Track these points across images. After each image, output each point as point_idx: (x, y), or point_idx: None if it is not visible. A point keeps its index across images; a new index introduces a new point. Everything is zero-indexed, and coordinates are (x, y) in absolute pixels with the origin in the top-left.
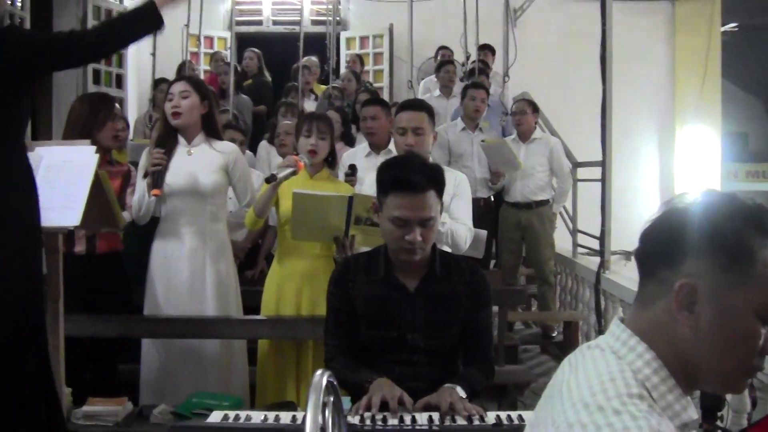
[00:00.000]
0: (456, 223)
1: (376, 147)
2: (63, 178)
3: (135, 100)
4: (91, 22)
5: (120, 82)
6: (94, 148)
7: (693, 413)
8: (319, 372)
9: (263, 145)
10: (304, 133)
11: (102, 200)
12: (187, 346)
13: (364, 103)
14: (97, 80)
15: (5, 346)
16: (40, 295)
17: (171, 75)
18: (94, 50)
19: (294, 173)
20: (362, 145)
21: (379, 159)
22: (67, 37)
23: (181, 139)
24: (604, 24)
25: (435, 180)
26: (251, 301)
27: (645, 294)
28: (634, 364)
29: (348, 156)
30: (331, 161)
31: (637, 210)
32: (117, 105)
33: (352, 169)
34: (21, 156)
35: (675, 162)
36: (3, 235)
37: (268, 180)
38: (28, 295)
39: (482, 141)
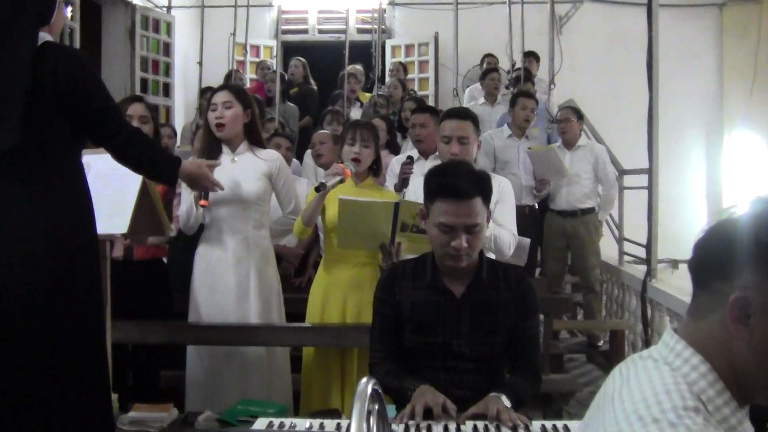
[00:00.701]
0: (500, 228)
1: (424, 153)
2: (111, 186)
3: (182, 109)
4: (139, 32)
5: (167, 90)
6: None
7: (749, 427)
8: (364, 380)
9: (309, 153)
10: (348, 141)
11: (149, 208)
12: (231, 353)
13: (414, 111)
14: (144, 89)
15: (68, 352)
16: (100, 301)
17: (217, 83)
18: (127, 153)
19: (341, 181)
20: (411, 151)
21: (427, 165)
22: (121, 126)
23: (225, 148)
24: (650, 30)
25: (482, 187)
26: (294, 308)
27: (699, 305)
28: (689, 376)
29: (396, 162)
30: (375, 169)
31: (684, 218)
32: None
33: (410, 158)
34: (81, 167)
35: (723, 169)
36: (68, 245)
37: (317, 189)
38: (91, 302)
39: (529, 148)
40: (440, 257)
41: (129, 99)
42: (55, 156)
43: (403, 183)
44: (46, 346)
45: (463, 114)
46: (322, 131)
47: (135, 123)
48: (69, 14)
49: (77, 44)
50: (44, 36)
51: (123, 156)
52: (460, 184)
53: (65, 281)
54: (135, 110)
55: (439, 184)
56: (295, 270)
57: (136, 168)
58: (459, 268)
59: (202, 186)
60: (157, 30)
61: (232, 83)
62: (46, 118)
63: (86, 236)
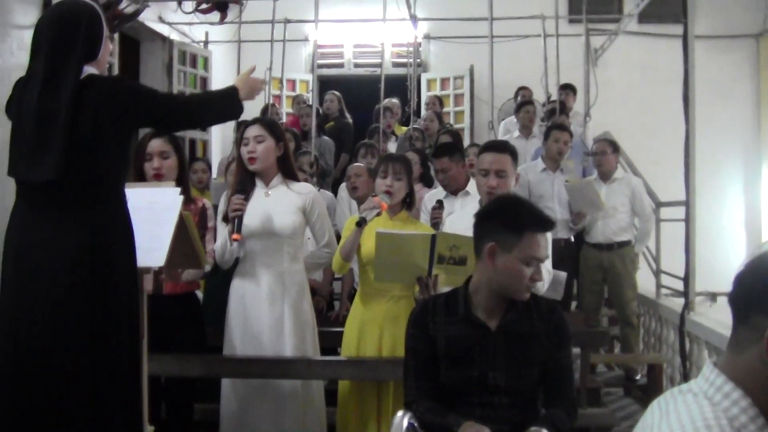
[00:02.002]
0: None
1: (453, 192)
2: (148, 220)
3: (219, 142)
4: (176, 67)
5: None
6: (178, 189)
7: None
8: (399, 413)
9: (343, 186)
10: (380, 174)
11: (186, 241)
12: (265, 386)
13: (433, 154)
14: None
15: (107, 379)
16: (138, 331)
17: (253, 117)
18: (191, 120)
19: (379, 214)
20: (439, 189)
21: (458, 201)
22: (173, 103)
23: (259, 182)
24: (686, 61)
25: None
26: (329, 341)
27: (738, 339)
28: (729, 411)
29: (429, 198)
30: (409, 202)
31: (722, 250)
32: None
33: (440, 203)
34: (124, 196)
35: (762, 200)
36: (109, 274)
37: (358, 223)
38: (131, 332)
39: (566, 181)
40: (516, 291)
41: (147, 136)
42: (99, 185)
43: (434, 228)
44: (84, 372)
45: (501, 147)
46: (357, 164)
47: (155, 160)
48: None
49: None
50: (89, 69)
51: (200, 127)
52: (548, 216)
53: (104, 310)
54: (153, 147)
55: (534, 217)
56: (326, 304)
57: (209, 123)
58: (526, 299)
59: (257, 90)
60: (194, 65)
61: (264, 117)
62: (90, 147)
63: (127, 266)
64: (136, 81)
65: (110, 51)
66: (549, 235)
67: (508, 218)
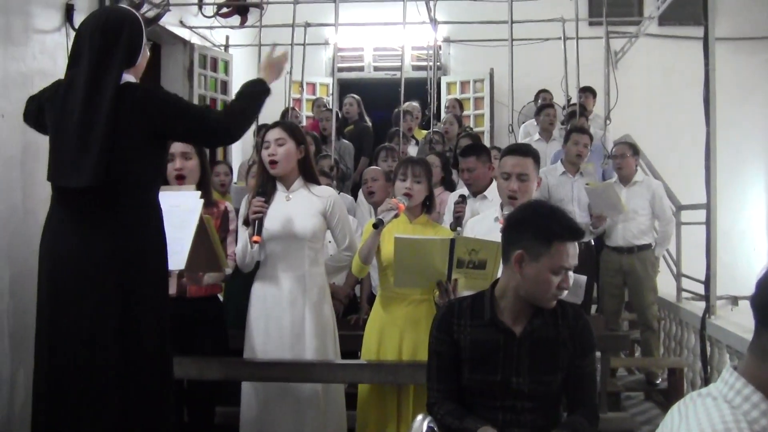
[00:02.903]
0: None
1: (475, 192)
2: (170, 223)
3: (239, 145)
4: (197, 71)
5: None
6: (199, 193)
7: None
8: (419, 417)
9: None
10: (400, 176)
11: (206, 244)
12: (286, 389)
13: (461, 153)
14: None
15: (135, 381)
16: (166, 336)
17: (274, 121)
18: (229, 134)
19: (396, 216)
20: (461, 190)
21: (475, 203)
22: (207, 117)
23: (280, 185)
24: (706, 63)
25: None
26: (349, 345)
27: (761, 344)
28: (749, 414)
29: (452, 198)
30: (429, 206)
31: (744, 253)
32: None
33: (462, 197)
34: (158, 202)
35: None
36: (139, 278)
37: (375, 225)
38: (159, 336)
39: (587, 184)
40: (543, 299)
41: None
42: (135, 191)
43: (457, 221)
44: (113, 373)
45: (523, 150)
46: (373, 167)
47: (177, 160)
48: None
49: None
50: (128, 77)
51: (236, 136)
52: (578, 226)
53: (135, 314)
54: (175, 148)
55: (563, 227)
56: (345, 308)
57: (252, 122)
58: (552, 306)
59: (281, 68)
60: (215, 68)
61: (284, 120)
62: (126, 154)
63: (159, 270)
64: (173, 93)
65: (147, 57)
66: (576, 243)
67: (538, 227)
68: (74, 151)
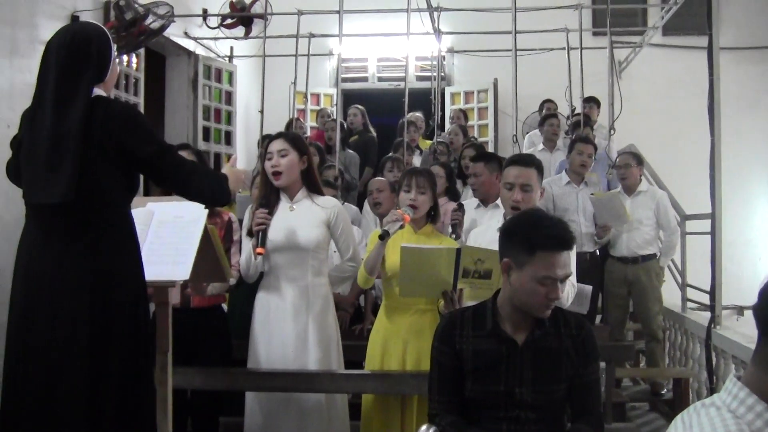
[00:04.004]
0: None
1: (484, 201)
2: (173, 234)
3: (243, 156)
4: (201, 81)
5: (229, 138)
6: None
7: None
8: (423, 427)
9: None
10: (404, 188)
11: (211, 255)
12: (289, 399)
13: (471, 159)
14: (207, 137)
15: (113, 396)
16: (145, 353)
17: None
18: (178, 180)
19: (401, 227)
20: (471, 199)
21: (487, 212)
22: (167, 154)
23: (283, 196)
24: (711, 73)
25: (573, 235)
26: (353, 355)
27: (764, 354)
28: (753, 423)
29: (450, 208)
30: (433, 216)
31: (749, 263)
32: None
33: (460, 206)
34: (131, 217)
35: None
36: (115, 297)
37: (381, 237)
38: (133, 357)
39: (592, 194)
40: (533, 308)
41: (176, 147)
42: (105, 209)
43: (453, 228)
44: (83, 394)
45: (527, 161)
46: (378, 178)
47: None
48: (134, 65)
49: (142, 94)
50: (98, 91)
51: (185, 195)
52: (564, 234)
53: (108, 333)
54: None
55: (547, 237)
56: (350, 318)
57: (198, 200)
58: (546, 316)
59: (241, 182)
60: (219, 79)
61: (287, 131)
62: (97, 170)
63: (131, 290)
64: (142, 116)
65: (116, 73)
66: (570, 252)
67: (522, 236)
68: (45, 167)
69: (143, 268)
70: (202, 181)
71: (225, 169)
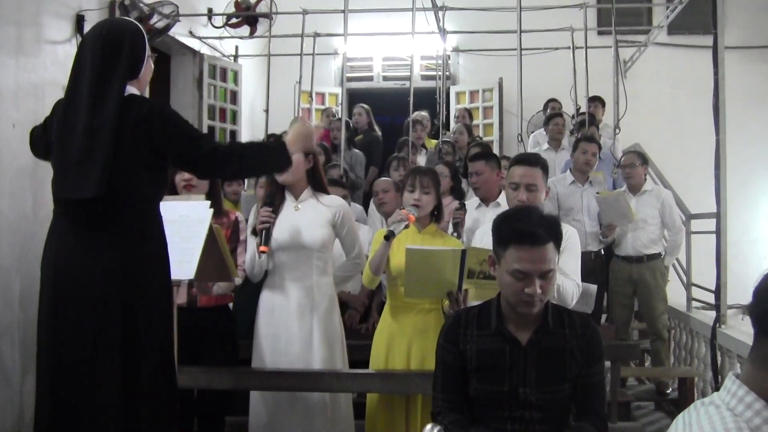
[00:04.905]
0: (564, 277)
1: (485, 200)
2: (179, 233)
3: None
4: (206, 81)
5: (234, 138)
6: (208, 203)
7: None
8: (428, 427)
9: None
10: (408, 187)
11: (216, 254)
12: (294, 398)
13: (470, 158)
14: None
15: (143, 393)
16: (171, 346)
17: (283, 130)
18: (216, 171)
19: (406, 227)
20: (474, 199)
21: (488, 212)
22: (205, 144)
23: (288, 195)
24: (716, 72)
25: (554, 232)
26: (358, 354)
27: (761, 353)
28: (752, 421)
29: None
30: (437, 215)
31: (754, 262)
32: None
33: (462, 204)
34: (160, 214)
35: None
36: (143, 290)
37: (386, 237)
38: (162, 350)
39: (597, 193)
40: (513, 304)
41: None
42: (137, 203)
43: (455, 227)
44: (119, 382)
45: (532, 160)
46: (383, 179)
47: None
48: None
49: (147, 93)
50: (131, 89)
51: (225, 177)
52: (534, 230)
53: (136, 328)
54: None
55: (514, 231)
56: (360, 316)
57: (249, 176)
58: (531, 314)
59: (310, 139)
60: (224, 79)
61: None
62: (129, 166)
63: (160, 285)
64: (178, 114)
65: (151, 70)
66: (548, 248)
67: (496, 231)
68: (77, 161)
69: (170, 265)
70: (239, 162)
71: (291, 130)
